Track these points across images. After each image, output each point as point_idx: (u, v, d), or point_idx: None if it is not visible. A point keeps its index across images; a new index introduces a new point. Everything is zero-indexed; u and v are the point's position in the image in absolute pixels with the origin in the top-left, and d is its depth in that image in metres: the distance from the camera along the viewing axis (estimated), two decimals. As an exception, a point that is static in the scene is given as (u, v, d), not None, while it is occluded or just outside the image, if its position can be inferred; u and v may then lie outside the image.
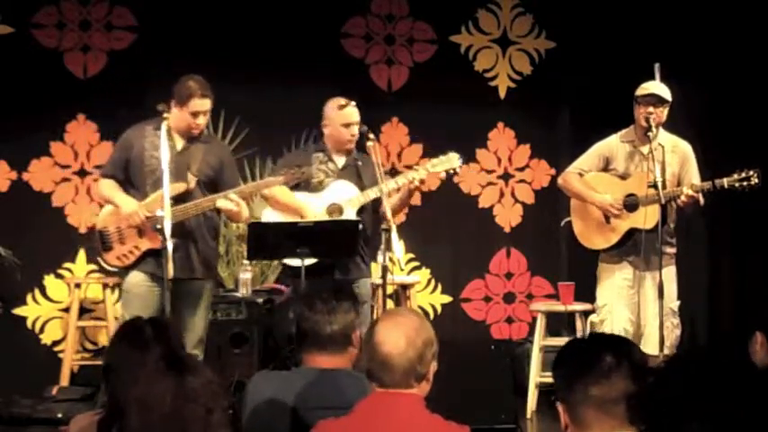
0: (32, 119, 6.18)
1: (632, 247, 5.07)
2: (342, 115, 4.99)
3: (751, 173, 4.80)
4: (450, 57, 6.94)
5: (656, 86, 5.05)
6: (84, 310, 6.30)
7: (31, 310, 6.31)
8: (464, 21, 6.99)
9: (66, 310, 6.24)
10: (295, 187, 5.00)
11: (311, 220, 4.85)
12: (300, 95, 6.45)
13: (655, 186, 4.77)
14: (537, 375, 5.84)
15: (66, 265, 6.36)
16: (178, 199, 4.65)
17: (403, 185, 4.92)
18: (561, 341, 5.24)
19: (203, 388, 2.02)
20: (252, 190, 4.93)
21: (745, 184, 4.81)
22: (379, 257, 4.60)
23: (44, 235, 6.27)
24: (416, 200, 6.36)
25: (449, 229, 6.96)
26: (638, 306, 5.07)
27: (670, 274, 5.04)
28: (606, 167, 5.20)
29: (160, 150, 4.46)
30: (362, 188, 4.92)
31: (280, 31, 6.53)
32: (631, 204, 5.07)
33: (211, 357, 5.15)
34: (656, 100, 4.98)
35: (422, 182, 4.89)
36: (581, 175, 5.24)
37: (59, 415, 5.39)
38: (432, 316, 6.86)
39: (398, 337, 2.55)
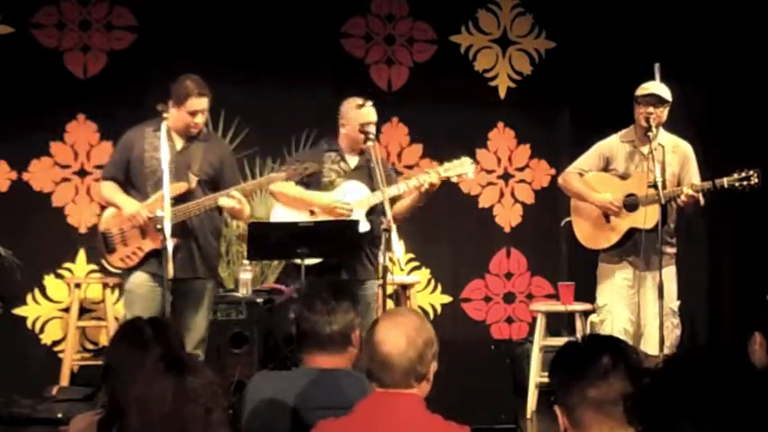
0: (32, 119, 6.18)
1: (632, 247, 5.07)
2: (360, 115, 4.96)
3: (751, 173, 4.80)
4: (450, 57, 6.94)
5: (656, 86, 5.05)
6: (84, 310, 6.30)
7: (31, 310, 6.31)
8: (464, 21, 6.99)
9: (67, 310, 6.24)
10: (306, 186, 5.01)
11: (323, 208, 4.85)
12: (300, 95, 6.47)
13: (655, 186, 4.77)
14: (537, 375, 5.84)
15: (66, 265, 6.36)
16: (180, 199, 4.66)
17: (413, 188, 4.90)
18: (561, 341, 5.24)
19: (203, 388, 2.02)
20: (254, 187, 4.93)
21: (744, 183, 4.81)
22: (380, 257, 4.59)
23: (44, 235, 6.27)
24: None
25: (449, 229, 6.96)
26: (638, 306, 5.07)
27: (670, 274, 5.04)
28: (606, 167, 5.20)
29: (160, 151, 4.47)
30: (373, 189, 4.90)
31: (280, 31, 6.54)
32: (631, 204, 5.07)
33: (211, 357, 5.15)
34: (656, 100, 4.98)
35: (432, 185, 4.87)
36: (581, 174, 5.24)
37: (59, 415, 5.38)
38: (432, 316, 6.86)
39: (399, 337, 2.55)
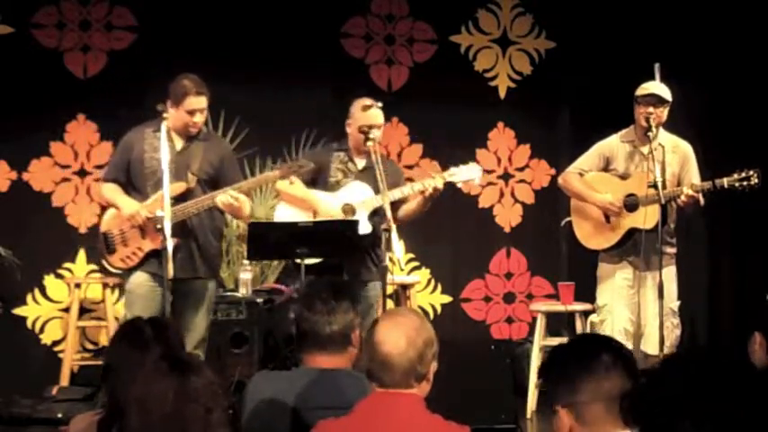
0: (32, 119, 6.18)
1: (632, 247, 5.07)
2: (364, 116, 4.95)
3: (751, 173, 4.80)
4: (450, 57, 6.94)
5: (656, 86, 5.05)
6: (84, 310, 6.30)
7: (31, 310, 6.31)
8: (464, 21, 6.99)
9: (67, 310, 6.24)
10: (312, 185, 5.01)
11: (324, 215, 4.87)
12: (301, 96, 6.48)
13: (655, 186, 4.78)
14: (537, 375, 5.83)
15: (67, 265, 6.36)
16: (179, 198, 4.66)
17: (417, 192, 4.89)
18: (561, 341, 5.24)
19: (205, 388, 2.02)
20: (250, 186, 4.92)
21: (744, 184, 4.81)
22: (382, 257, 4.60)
23: (44, 235, 6.27)
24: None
25: (449, 229, 6.96)
26: (638, 306, 5.07)
27: (670, 274, 5.04)
28: (606, 167, 5.20)
29: (160, 151, 4.47)
30: (379, 191, 4.88)
31: (279, 31, 6.53)
32: (631, 204, 5.07)
33: (211, 357, 5.15)
34: (656, 100, 4.98)
35: (435, 190, 4.85)
36: (581, 174, 5.24)
37: (59, 415, 5.38)
38: (432, 316, 6.86)
39: (399, 337, 2.55)
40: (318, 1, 6.63)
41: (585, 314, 5.73)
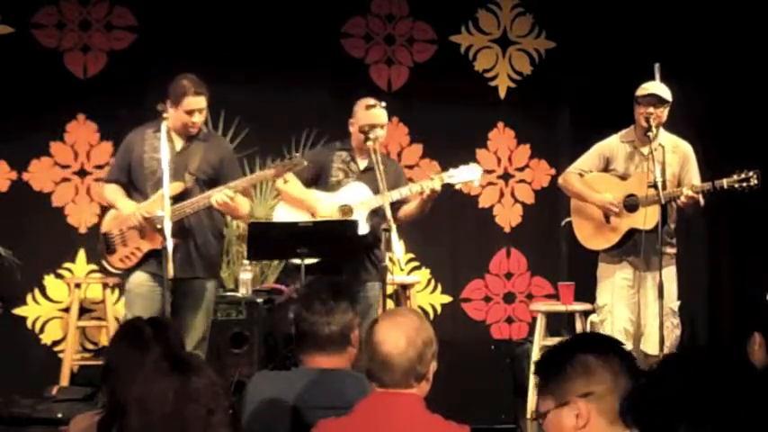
0: (32, 119, 6.18)
1: (632, 247, 5.07)
2: (366, 115, 4.94)
3: (750, 174, 4.80)
4: (450, 57, 6.94)
5: (656, 86, 5.05)
6: (84, 310, 6.30)
7: (31, 310, 6.31)
8: (464, 21, 6.99)
9: (67, 310, 6.24)
10: (313, 185, 5.01)
11: (320, 217, 4.87)
12: (300, 95, 6.48)
13: (655, 186, 4.78)
14: (535, 372, 5.82)
15: (67, 265, 6.36)
16: (176, 198, 4.66)
17: (416, 194, 4.89)
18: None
19: (206, 388, 2.02)
20: (245, 184, 4.90)
21: (744, 185, 4.81)
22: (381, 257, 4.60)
23: (44, 235, 6.27)
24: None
25: (449, 229, 6.95)
26: (638, 306, 5.07)
27: (670, 274, 5.04)
28: (606, 168, 5.20)
29: (159, 152, 4.47)
30: (378, 192, 4.86)
31: (279, 31, 6.53)
32: (631, 205, 5.07)
33: (211, 357, 5.16)
34: (656, 100, 4.98)
35: (433, 191, 4.84)
36: (581, 175, 5.24)
37: (59, 415, 5.38)
38: (432, 316, 6.86)
39: (398, 337, 2.55)
40: (318, 1, 6.63)
41: (585, 314, 5.73)
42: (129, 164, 4.88)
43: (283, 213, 5.06)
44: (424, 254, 6.89)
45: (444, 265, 7.00)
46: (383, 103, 4.99)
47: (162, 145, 4.43)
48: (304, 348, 3.04)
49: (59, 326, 6.33)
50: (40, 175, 6.32)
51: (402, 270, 6.58)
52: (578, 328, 5.84)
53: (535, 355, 5.90)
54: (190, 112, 4.75)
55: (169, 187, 4.47)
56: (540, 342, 5.87)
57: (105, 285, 6.17)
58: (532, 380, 5.85)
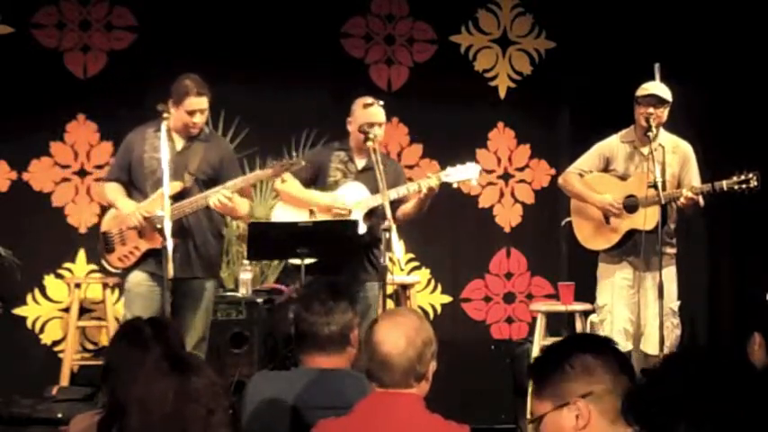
0: (32, 119, 6.18)
1: (632, 247, 5.07)
2: (365, 114, 4.94)
3: (750, 175, 4.79)
4: (450, 57, 6.94)
5: (656, 87, 5.05)
6: (84, 310, 6.29)
7: (31, 310, 6.31)
8: (464, 21, 6.98)
9: (67, 310, 6.24)
10: (311, 185, 5.00)
11: (322, 207, 4.86)
12: (300, 95, 6.48)
13: (655, 187, 4.77)
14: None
15: (67, 265, 6.36)
16: (175, 198, 4.66)
17: (413, 193, 4.88)
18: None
19: (206, 388, 2.02)
20: (242, 184, 4.90)
21: (744, 186, 4.81)
22: (381, 258, 4.59)
23: (44, 235, 6.27)
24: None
25: (449, 229, 6.95)
26: (638, 306, 5.07)
27: (670, 274, 5.04)
28: (606, 168, 5.20)
29: (159, 151, 4.47)
30: (376, 192, 4.84)
31: (279, 31, 6.53)
32: (631, 206, 5.06)
33: (211, 357, 5.15)
34: (657, 100, 4.98)
35: (430, 190, 4.83)
36: (581, 175, 5.24)
37: (59, 415, 5.38)
38: (432, 316, 6.86)
39: (398, 337, 2.55)
40: (318, 1, 6.63)
41: (585, 314, 5.74)
42: (129, 163, 4.89)
43: (282, 214, 5.06)
44: (424, 254, 6.89)
45: (444, 265, 7.00)
46: (381, 102, 4.99)
47: (162, 144, 4.43)
48: (304, 348, 3.04)
49: (59, 326, 6.33)
50: (40, 175, 6.32)
51: (402, 270, 6.58)
52: (578, 328, 5.84)
53: (535, 355, 5.89)
54: (191, 113, 4.75)
55: (169, 187, 4.47)
56: (540, 342, 5.87)
57: (105, 285, 6.17)
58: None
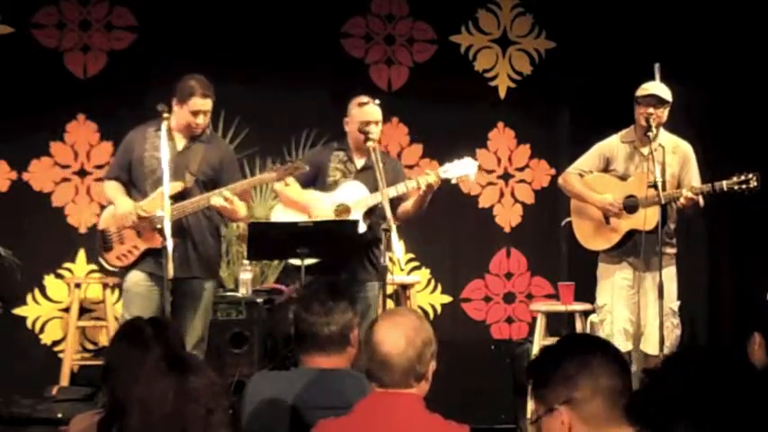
0: (32, 119, 6.18)
1: (632, 247, 5.07)
2: (361, 113, 4.94)
3: (750, 176, 4.79)
4: (450, 57, 6.94)
5: (657, 87, 5.05)
6: (84, 310, 6.30)
7: (31, 310, 6.31)
8: (464, 21, 6.99)
9: (67, 310, 6.24)
10: (310, 186, 5.00)
11: (315, 219, 4.85)
12: (300, 95, 6.48)
13: (655, 187, 4.77)
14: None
15: (67, 265, 6.36)
16: (176, 198, 4.66)
17: (412, 190, 4.88)
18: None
19: (205, 388, 2.02)
20: (245, 187, 4.91)
21: (744, 187, 4.80)
22: (381, 258, 4.59)
23: (44, 235, 6.27)
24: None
25: (449, 229, 6.95)
26: (638, 306, 5.07)
27: (670, 274, 5.04)
28: (606, 168, 5.20)
29: (160, 151, 4.47)
30: (376, 191, 4.84)
31: (280, 31, 6.53)
32: (631, 206, 5.06)
33: (211, 357, 5.16)
34: (656, 101, 4.98)
35: (429, 186, 4.82)
36: (581, 175, 5.24)
37: (59, 415, 5.39)
38: (432, 316, 6.86)
39: (398, 337, 2.55)
40: (318, 1, 6.63)
41: (585, 314, 5.74)
42: (129, 162, 4.89)
43: (280, 216, 5.05)
44: (424, 254, 6.89)
45: (444, 265, 7.00)
46: (377, 101, 4.99)
47: (162, 144, 4.43)
48: (303, 349, 3.04)
49: (59, 326, 6.33)
50: (40, 175, 6.32)
51: (402, 270, 6.58)
52: (578, 328, 5.85)
53: (535, 355, 5.89)
54: (195, 113, 4.76)
55: (169, 187, 4.47)
56: (540, 342, 5.87)
57: (105, 285, 6.17)
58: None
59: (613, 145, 5.20)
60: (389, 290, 4.82)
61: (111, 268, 4.93)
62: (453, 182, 4.94)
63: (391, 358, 2.53)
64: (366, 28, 6.84)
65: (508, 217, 7.10)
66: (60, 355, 6.19)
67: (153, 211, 4.61)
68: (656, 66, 5.30)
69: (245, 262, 5.93)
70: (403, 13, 6.89)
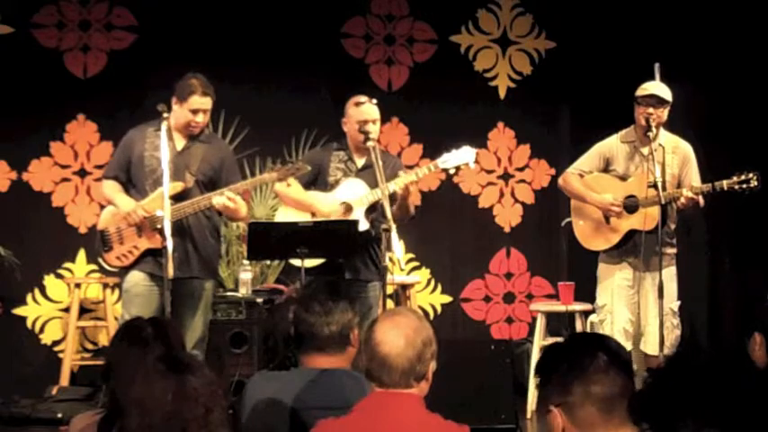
0: (32, 119, 6.19)
1: (632, 248, 5.07)
2: (358, 112, 4.95)
3: (751, 175, 4.79)
4: (450, 57, 6.94)
5: (657, 87, 5.04)
6: (84, 310, 6.30)
7: (31, 310, 6.31)
8: (464, 21, 6.99)
9: (67, 310, 6.24)
10: (311, 185, 5.00)
11: (321, 215, 4.86)
12: (301, 95, 6.48)
13: (655, 187, 4.77)
14: (534, 373, 5.82)
15: (67, 265, 6.36)
16: (176, 198, 4.66)
17: (410, 183, 4.86)
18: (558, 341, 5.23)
19: (204, 388, 2.02)
20: (247, 187, 4.91)
21: (744, 186, 4.80)
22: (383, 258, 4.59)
23: (44, 235, 6.28)
24: (417, 200, 6.36)
25: (449, 229, 6.96)
26: (638, 306, 5.07)
27: (670, 274, 5.04)
28: (606, 168, 5.20)
29: (160, 150, 4.48)
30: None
31: (280, 32, 6.54)
32: (631, 206, 5.06)
33: (211, 357, 5.15)
34: (656, 101, 4.97)
35: (406, 190, 4.76)
36: (581, 175, 5.24)
37: (59, 415, 5.39)
38: (432, 316, 6.86)
39: (397, 337, 2.55)
40: (318, 1, 6.64)
41: (585, 314, 5.73)
42: (128, 161, 4.88)
43: (284, 217, 5.05)
44: (424, 254, 6.89)
45: (444, 265, 7.01)
46: (374, 100, 5.00)
47: (162, 144, 4.43)
48: (303, 349, 3.04)
49: (59, 326, 6.33)
50: (40, 175, 6.33)
51: (402, 270, 6.58)
52: (578, 328, 5.85)
53: (535, 355, 5.90)
54: (195, 112, 4.76)
55: (169, 186, 4.47)
56: (540, 342, 5.87)
57: (105, 285, 6.17)
58: (533, 380, 5.86)
59: (613, 145, 5.20)
60: (389, 290, 4.82)
61: (110, 269, 4.93)
62: (452, 171, 4.93)
63: (391, 358, 2.53)
64: (366, 28, 6.84)
65: (508, 217, 7.10)
66: (60, 355, 6.19)
67: (153, 210, 4.61)
68: (656, 66, 5.30)
69: (245, 262, 5.94)
70: (403, 13, 6.90)
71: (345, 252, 4.87)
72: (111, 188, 4.91)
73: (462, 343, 6.14)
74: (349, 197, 4.95)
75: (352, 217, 4.86)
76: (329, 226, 4.79)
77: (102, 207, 5.20)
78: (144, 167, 4.82)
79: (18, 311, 6.28)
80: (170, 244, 4.26)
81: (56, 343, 6.33)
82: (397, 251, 4.41)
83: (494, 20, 7.06)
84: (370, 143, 4.71)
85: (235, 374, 5.36)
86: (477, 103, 6.95)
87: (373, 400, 2.56)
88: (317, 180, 5.03)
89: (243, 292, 5.86)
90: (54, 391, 5.76)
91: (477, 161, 5.27)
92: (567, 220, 5.44)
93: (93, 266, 6.26)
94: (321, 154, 5.20)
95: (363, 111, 4.94)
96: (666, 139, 5.10)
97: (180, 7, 6.38)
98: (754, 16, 6.42)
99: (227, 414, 2.05)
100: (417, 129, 6.89)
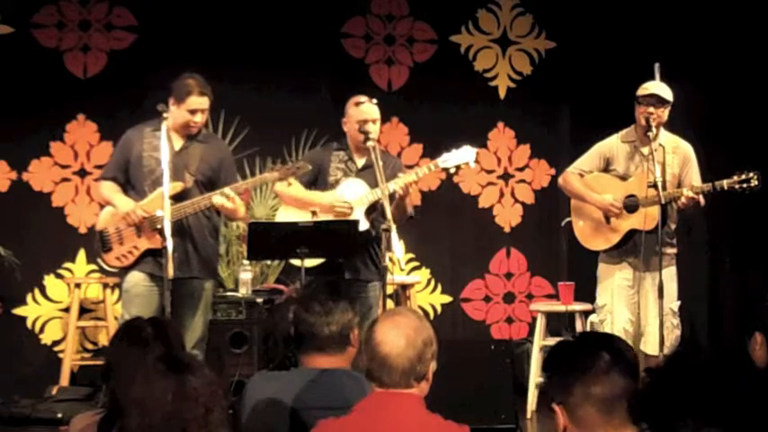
0: (32, 119, 6.19)
1: (632, 247, 5.07)
2: (358, 112, 4.95)
3: (751, 175, 4.79)
4: (450, 57, 6.94)
5: (657, 86, 5.04)
6: (84, 310, 6.30)
7: (31, 310, 6.31)
8: (464, 21, 6.99)
9: (67, 310, 6.24)
10: (312, 185, 5.00)
11: (324, 207, 4.86)
12: (301, 95, 6.48)
13: (655, 187, 4.77)
14: (537, 375, 5.84)
15: (67, 265, 6.36)
16: (175, 198, 4.66)
17: (410, 183, 4.85)
18: (562, 340, 5.23)
19: (203, 388, 2.02)
20: (247, 186, 4.92)
21: (744, 186, 4.80)
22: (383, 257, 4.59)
23: (44, 235, 6.28)
24: (416, 200, 6.37)
25: (449, 229, 6.96)
26: (638, 306, 5.07)
27: (670, 274, 5.04)
28: (607, 168, 5.20)
29: (158, 151, 4.48)
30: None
31: (280, 32, 6.54)
32: (631, 206, 5.06)
33: (211, 357, 5.15)
34: (657, 100, 4.97)
35: (405, 190, 4.76)
36: (581, 175, 5.24)
37: (59, 415, 5.39)
38: (432, 316, 6.86)
39: (398, 337, 2.55)
40: (318, 1, 6.64)
41: (585, 314, 5.73)
42: (126, 161, 4.88)
43: (284, 216, 5.05)
44: (424, 254, 6.89)
45: (444, 265, 7.01)
46: (374, 100, 5.00)
47: (162, 145, 4.43)
48: (303, 349, 3.04)
49: (59, 326, 6.33)
50: (40, 175, 6.33)
51: (402, 270, 6.58)
52: (578, 328, 5.85)
53: (535, 354, 5.90)
54: (192, 112, 4.76)
55: (168, 187, 4.46)
56: (540, 342, 5.88)
57: (105, 285, 6.18)
58: (533, 380, 5.87)
59: (613, 145, 5.19)
60: (389, 290, 4.82)
61: (110, 269, 4.93)
62: (452, 171, 4.93)
63: (391, 358, 2.53)
64: (366, 28, 6.84)
65: (508, 217, 7.10)
66: (60, 355, 6.19)
67: (153, 210, 4.61)
68: (656, 66, 5.30)
69: (245, 262, 5.94)
70: (403, 13, 6.90)
71: (345, 252, 4.87)
72: (110, 189, 4.90)
73: (462, 343, 6.14)
74: (349, 197, 4.95)
75: (352, 217, 4.86)
76: (329, 226, 4.79)
77: (102, 207, 5.20)
78: (142, 168, 4.82)
79: (18, 311, 6.28)
80: (170, 244, 4.26)
81: (56, 343, 6.33)
82: (397, 251, 4.41)
83: (494, 20, 7.06)
84: (370, 143, 4.71)
85: (235, 374, 5.36)
86: (477, 103, 6.95)
87: (373, 400, 2.56)
88: (317, 180, 5.04)
89: (243, 292, 5.86)
90: (54, 391, 5.76)
91: (477, 161, 5.28)
92: (567, 219, 5.44)
93: (93, 266, 6.26)
94: (321, 154, 5.20)
95: (363, 110, 4.95)
96: (667, 138, 5.10)
97: (180, 7, 6.38)
98: (754, 16, 6.42)
99: (227, 414, 2.05)
100: (417, 129, 6.89)
